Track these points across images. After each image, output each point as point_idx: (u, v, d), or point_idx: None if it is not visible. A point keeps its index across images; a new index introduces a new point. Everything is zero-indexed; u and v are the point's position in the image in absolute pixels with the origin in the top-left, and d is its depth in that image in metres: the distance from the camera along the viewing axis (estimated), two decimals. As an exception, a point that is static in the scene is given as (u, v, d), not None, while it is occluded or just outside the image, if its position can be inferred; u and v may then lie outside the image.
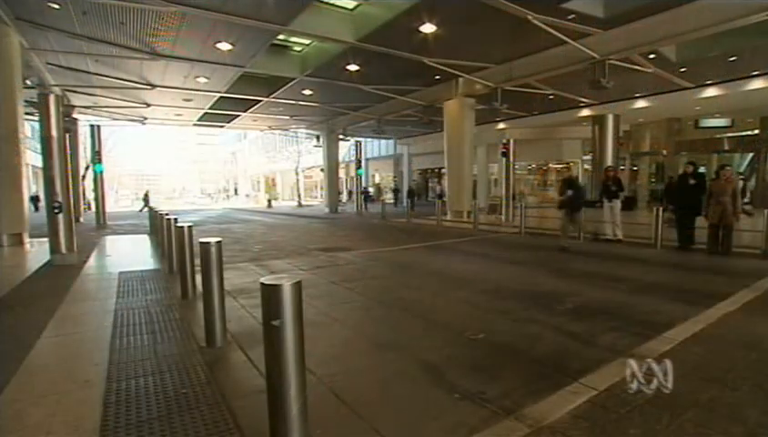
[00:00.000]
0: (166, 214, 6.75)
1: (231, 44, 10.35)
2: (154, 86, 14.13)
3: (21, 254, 7.98)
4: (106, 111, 18.43)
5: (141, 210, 24.35)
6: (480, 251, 8.22)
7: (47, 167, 6.62)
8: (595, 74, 10.06)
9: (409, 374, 2.78)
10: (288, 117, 21.18)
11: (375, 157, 33.68)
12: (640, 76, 11.68)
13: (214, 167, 77.59)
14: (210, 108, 18.14)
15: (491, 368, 2.87)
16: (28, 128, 17.39)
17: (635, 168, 20.35)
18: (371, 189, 31.38)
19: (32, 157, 16.80)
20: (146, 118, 20.79)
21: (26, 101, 10.48)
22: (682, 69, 11.86)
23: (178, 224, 4.87)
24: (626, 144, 19.35)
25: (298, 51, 12.85)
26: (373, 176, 34.77)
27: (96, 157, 15.46)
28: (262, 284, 1.74)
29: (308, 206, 31.21)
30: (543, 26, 8.74)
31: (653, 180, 19.88)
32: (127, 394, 2.46)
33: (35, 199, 22.22)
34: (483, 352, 3.16)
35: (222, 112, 18.84)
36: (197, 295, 4.38)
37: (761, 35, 9.01)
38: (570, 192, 8.12)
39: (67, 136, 11.15)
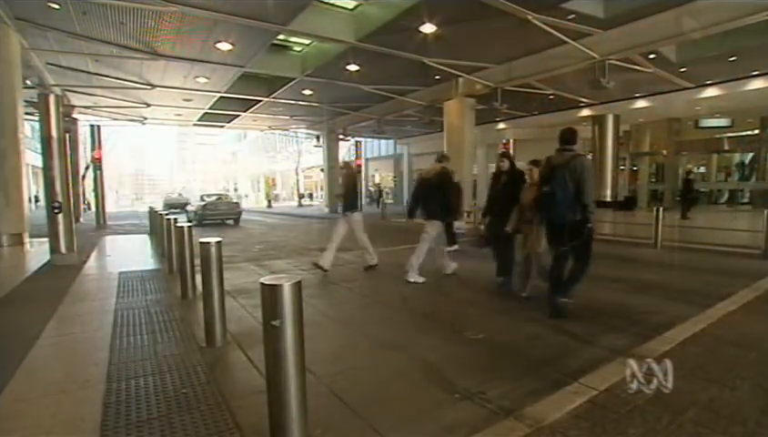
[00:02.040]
0: (167, 214, 6.76)
1: (231, 44, 10.35)
2: (154, 86, 14.12)
3: (21, 254, 7.97)
4: (106, 111, 18.42)
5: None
6: (480, 251, 8.19)
7: (47, 168, 6.62)
8: (595, 74, 10.05)
9: (409, 374, 2.78)
10: (288, 117, 21.17)
11: (375, 157, 33.64)
12: (640, 75, 11.67)
13: (214, 167, 77.50)
14: (210, 108, 18.12)
15: (491, 368, 2.87)
16: (28, 128, 17.39)
17: (635, 168, 20.35)
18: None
19: (32, 157, 16.78)
20: (146, 118, 20.78)
21: (26, 101, 10.48)
22: (682, 69, 11.84)
23: (178, 224, 4.87)
24: (626, 144, 19.34)
25: (298, 51, 12.84)
26: (373, 176, 34.73)
27: (95, 158, 15.49)
28: (262, 284, 1.73)
29: (308, 205, 31.24)
30: (543, 26, 8.73)
31: (654, 180, 19.89)
32: (127, 394, 2.46)
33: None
34: (483, 352, 3.16)
35: (222, 112, 18.82)
36: (197, 295, 4.38)
37: (761, 35, 9.01)
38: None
39: (67, 136, 11.15)
